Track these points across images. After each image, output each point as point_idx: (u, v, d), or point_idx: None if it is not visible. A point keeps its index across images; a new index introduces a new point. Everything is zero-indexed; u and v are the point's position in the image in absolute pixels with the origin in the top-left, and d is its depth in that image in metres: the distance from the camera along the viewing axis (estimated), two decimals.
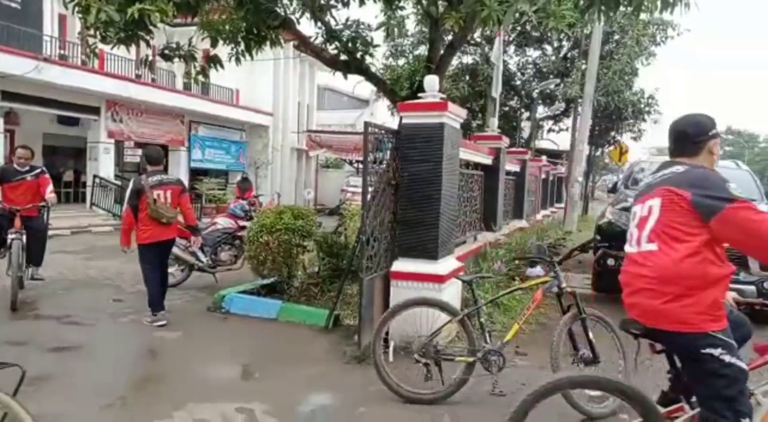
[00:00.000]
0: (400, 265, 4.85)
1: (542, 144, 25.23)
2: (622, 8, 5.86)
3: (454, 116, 5.07)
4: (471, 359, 3.68)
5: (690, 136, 2.34)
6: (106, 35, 5.79)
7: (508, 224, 9.22)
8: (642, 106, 18.65)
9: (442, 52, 7.42)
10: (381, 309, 4.63)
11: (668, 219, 2.18)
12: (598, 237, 6.64)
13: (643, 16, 6.91)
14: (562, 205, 17.90)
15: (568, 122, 20.93)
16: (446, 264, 4.96)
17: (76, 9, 5.55)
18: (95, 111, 15.45)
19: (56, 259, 8.97)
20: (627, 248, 2.40)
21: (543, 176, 14.77)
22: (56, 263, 8.54)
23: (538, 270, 5.94)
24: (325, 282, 6.12)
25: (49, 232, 12.18)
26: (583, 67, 16.54)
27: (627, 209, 6.44)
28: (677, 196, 2.16)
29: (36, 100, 13.65)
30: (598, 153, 24.36)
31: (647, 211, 2.28)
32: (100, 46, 6.42)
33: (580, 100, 16.15)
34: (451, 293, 4.88)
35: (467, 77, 19.16)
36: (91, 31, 5.82)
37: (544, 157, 15.53)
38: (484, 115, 17.89)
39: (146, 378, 4.14)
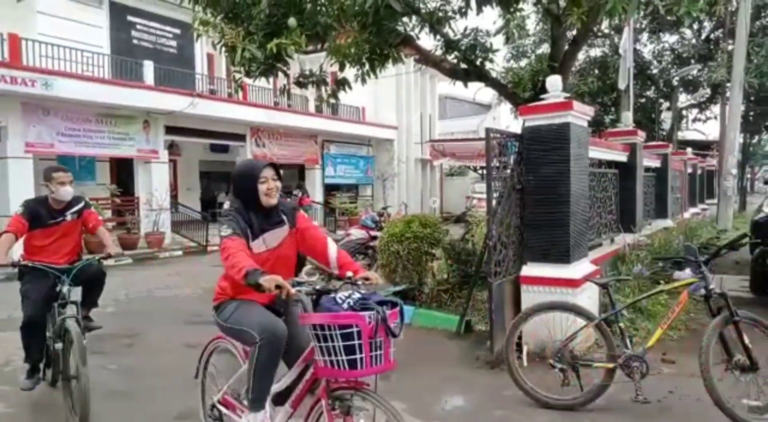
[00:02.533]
0: (530, 270, 4.80)
1: (687, 135, 23.08)
2: None
3: (580, 114, 4.93)
4: (611, 365, 3.55)
5: None
6: (250, 70, 6.51)
7: (650, 224, 8.60)
8: None
9: (565, 49, 7.22)
10: (512, 314, 4.62)
11: None
12: (755, 234, 5.98)
13: None
14: (715, 201, 16.19)
15: (715, 110, 18.94)
16: (579, 268, 4.82)
17: (223, 49, 6.33)
18: (241, 138, 17.10)
19: (216, 272, 10.12)
20: None
21: (689, 170, 13.53)
22: (216, 275, 9.64)
23: (686, 272, 5.51)
24: (454, 289, 6.23)
25: (209, 248, 13.66)
26: (730, 47, 14.90)
27: None
28: None
29: (192, 132, 15.46)
30: (755, 141, 21.65)
31: None
32: (245, 79, 7.21)
33: (728, 85, 14.55)
34: (587, 297, 4.72)
35: (596, 71, 18.18)
36: (237, 67, 6.57)
37: (689, 150, 14.20)
38: (617, 109, 16.81)
39: None
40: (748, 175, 24.65)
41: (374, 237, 7.32)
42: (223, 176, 19.58)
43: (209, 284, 8.73)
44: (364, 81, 7.61)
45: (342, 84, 7.68)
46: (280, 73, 6.74)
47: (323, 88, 7.89)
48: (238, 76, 7.00)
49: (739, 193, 18.55)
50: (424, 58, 7.77)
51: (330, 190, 20.43)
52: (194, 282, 8.89)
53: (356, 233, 7.70)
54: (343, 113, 20.55)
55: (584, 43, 9.04)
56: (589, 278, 4.61)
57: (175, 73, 15.11)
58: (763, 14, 15.82)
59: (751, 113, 18.23)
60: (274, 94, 16.96)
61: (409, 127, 23.06)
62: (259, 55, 5.95)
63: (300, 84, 7.90)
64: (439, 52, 7.56)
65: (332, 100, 8.27)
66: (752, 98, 16.71)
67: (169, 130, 14.73)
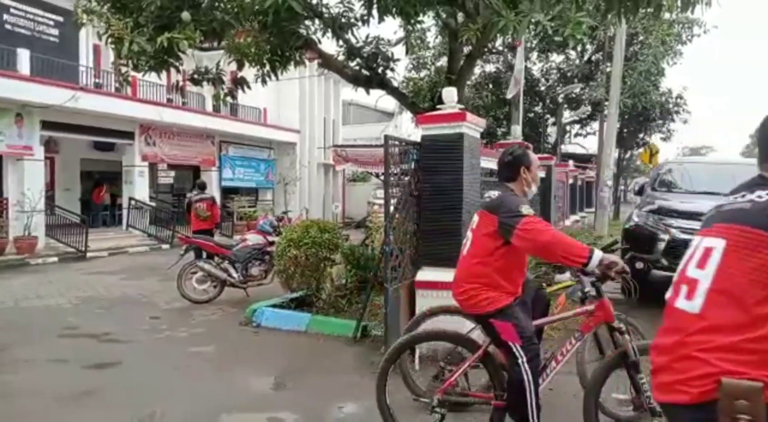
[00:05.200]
0: (425, 274, 4.91)
1: (570, 149, 24.96)
2: (642, 10, 5.84)
3: (473, 125, 5.14)
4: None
5: None
6: (138, 64, 6.10)
7: None
8: (670, 106, 18.35)
9: (461, 62, 7.51)
10: (407, 318, 4.69)
11: None
12: (626, 241, 6.57)
13: (667, 15, 6.85)
14: (593, 210, 17.66)
15: (595, 126, 20.69)
16: None
17: (109, 41, 5.88)
18: (129, 135, 16.02)
19: (94, 280, 9.34)
20: None
21: (571, 181, 14.63)
22: (94, 283, 8.89)
23: (566, 275, 5.92)
24: (352, 294, 6.23)
25: (88, 254, 12.64)
26: (608, 69, 16.37)
27: (654, 211, 6.40)
28: None
29: (73, 128, 14.25)
30: (628, 156, 23.94)
31: None
32: (133, 73, 6.75)
33: (606, 103, 16.00)
34: None
35: (490, 85, 19.18)
36: (124, 61, 6.13)
37: (571, 162, 15.39)
38: (509, 123, 17.85)
39: (180, 391, 4.29)
40: (622, 187, 27.16)
41: (272, 243, 7.15)
42: (111, 176, 18.24)
43: (86, 293, 8.08)
44: (264, 82, 7.43)
45: (240, 83, 7.45)
46: (173, 69, 6.40)
47: (220, 87, 7.60)
48: (124, 69, 6.54)
49: (614, 203, 20.33)
50: (327, 63, 7.74)
51: (228, 193, 19.73)
52: (69, 292, 8.17)
53: (253, 238, 7.47)
54: (242, 114, 19.96)
55: (479, 58, 9.52)
56: None
57: (56, 64, 13.86)
58: (635, 41, 17.55)
59: (625, 130, 20.11)
60: (167, 90, 16.09)
61: (312, 132, 22.89)
62: (148, 48, 5.59)
63: (194, 81, 7.55)
64: (341, 58, 7.57)
65: (229, 100, 7.99)
66: (626, 116, 18.44)
67: (47, 125, 13.47)
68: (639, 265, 6.13)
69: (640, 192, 7.31)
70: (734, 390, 1.31)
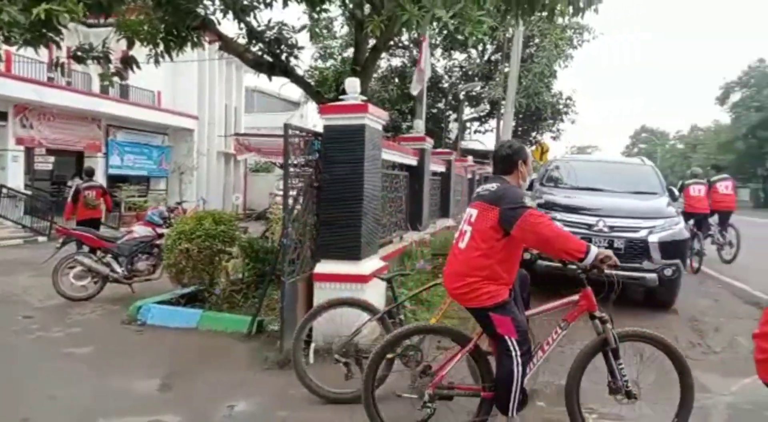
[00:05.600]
0: (323, 267, 4.84)
1: (470, 145, 25.95)
2: (537, 13, 6.13)
3: (376, 118, 5.12)
4: (390, 355, 3.70)
5: None
6: (11, 36, 5.43)
7: (435, 223, 9.40)
8: (560, 106, 19.62)
9: (367, 54, 7.48)
10: (304, 312, 4.60)
11: None
12: None
13: (560, 20, 7.28)
14: None
15: (493, 123, 21.64)
16: (369, 264, 5.00)
17: None
18: (2, 116, 14.40)
19: None
20: None
21: (469, 176, 15.17)
22: None
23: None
24: (249, 289, 6.00)
25: None
26: (506, 70, 17.17)
27: (541, 205, 6.76)
28: None
29: None
30: None
31: None
32: (5, 47, 6.00)
33: (503, 102, 16.76)
34: (375, 292, 4.91)
35: (396, 79, 19.40)
36: None
37: (470, 157, 15.97)
38: (413, 117, 18.18)
39: (52, 397, 3.89)
40: None
41: (161, 235, 6.71)
42: None
43: None
44: (157, 62, 6.95)
45: (129, 62, 6.90)
46: (54, 45, 5.77)
47: (107, 66, 6.99)
48: None
49: None
50: (227, 46, 7.38)
51: (115, 181, 18.34)
52: None
53: (140, 230, 6.96)
54: (134, 96, 18.63)
55: (385, 50, 9.56)
56: (377, 274, 4.81)
57: None
58: (531, 43, 18.53)
59: (520, 129, 21.22)
60: (48, 68, 14.61)
61: (212, 118, 21.89)
62: (22, 19, 4.97)
63: (77, 58, 6.91)
64: (242, 41, 7.25)
65: (118, 80, 7.38)
66: (521, 115, 19.45)
67: None
68: (527, 256, 6.44)
69: (530, 187, 7.71)
70: None
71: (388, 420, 3.20)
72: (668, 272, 6.11)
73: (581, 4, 5.42)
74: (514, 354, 2.83)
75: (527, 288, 3.62)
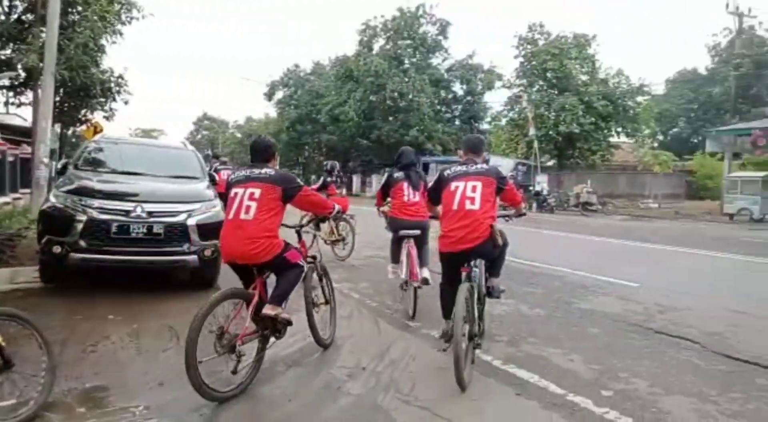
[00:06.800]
0: None
1: (7, 119, 21.45)
2: None
3: None
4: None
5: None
6: None
7: None
8: (112, 85, 18.28)
9: None
10: None
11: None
12: (42, 223, 6.00)
13: None
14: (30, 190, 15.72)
15: (31, 95, 18.37)
16: None
17: None
18: None
19: None
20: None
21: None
22: None
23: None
24: None
25: None
26: (43, 35, 14.71)
27: (73, 192, 6.06)
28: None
29: None
30: (71, 132, 22.56)
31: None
32: None
33: (41, 72, 14.33)
34: None
35: None
36: None
37: None
38: None
39: None
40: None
41: None
42: None
43: None
44: None
45: None
46: None
47: None
48: None
49: (54, 182, 18.68)
50: None
51: None
52: None
53: None
54: None
55: None
56: None
57: None
58: (72, 10, 16.41)
59: (66, 104, 18.74)
60: None
61: None
62: None
63: None
64: None
65: None
66: (66, 90, 17.15)
67: None
68: (57, 249, 5.69)
69: (62, 171, 6.81)
70: None
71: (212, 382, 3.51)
72: (208, 252, 6.41)
73: None
74: (301, 268, 4.12)
75: None
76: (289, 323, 4.02)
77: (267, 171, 4.00)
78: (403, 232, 5.95)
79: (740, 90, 32.30)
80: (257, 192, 3.86)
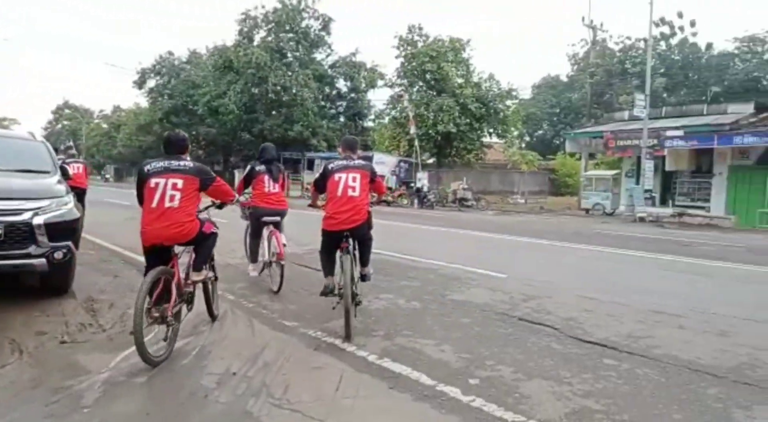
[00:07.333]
0: None
1: None
2: None
3: None
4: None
5: None
6: None
7: None
8: None
9: None
10: None
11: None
12: None
13: None
14: None
15: None
16: None
17: None
18: None
19: None
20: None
21: None
22: None
23: None
24: None
25: None
26: None
27: None
28: None
29: None
30: None
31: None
32: None
33: None
34: None
35: None
36: None
37: None
38: None
39: None
40: None
41: None
42: None
43: None
44: None
45: None
46: None
47: None
48: None
49: None
50: None
51: None
52: None
53: None
54: None
55: None
56: None
57: None
58: None
59: None
60: None
61: None
62: None
63: None
64: None
65: None
66: None
67: None
68: None
69: None
70: None
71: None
72: (59, 255, 5.76)
73: None
74: (215, 234, 4.84)
75: None
76: (216, 278, 5.34)
77: (186, 163, 4.56)
78: (265, 219, 6.89)
79: (595, 96, 35.93)
80: (180, 182, 4.41)
